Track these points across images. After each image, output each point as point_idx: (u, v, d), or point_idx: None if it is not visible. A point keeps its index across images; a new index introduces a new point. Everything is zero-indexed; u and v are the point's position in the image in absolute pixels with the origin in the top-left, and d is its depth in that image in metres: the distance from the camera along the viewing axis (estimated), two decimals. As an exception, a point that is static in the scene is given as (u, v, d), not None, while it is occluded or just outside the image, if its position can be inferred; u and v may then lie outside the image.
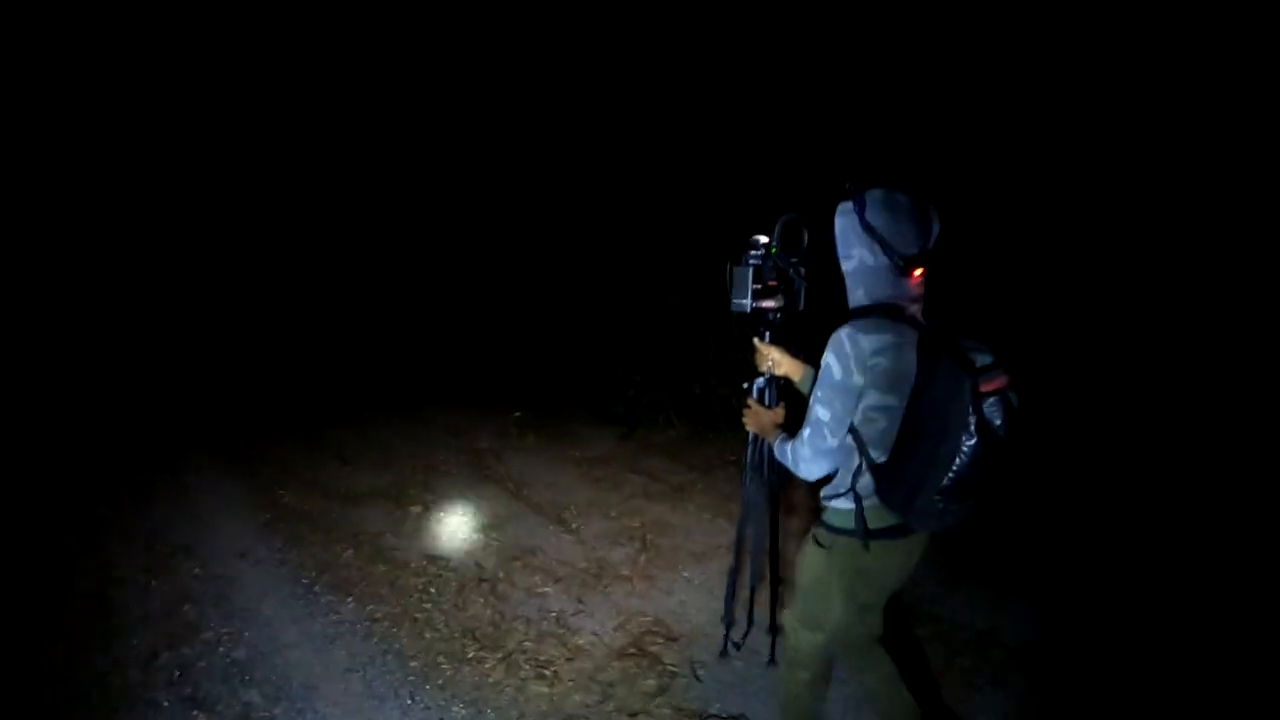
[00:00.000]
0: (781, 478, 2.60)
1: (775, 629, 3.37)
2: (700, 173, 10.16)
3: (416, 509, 6.40)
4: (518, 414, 9.45)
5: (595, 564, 5.34)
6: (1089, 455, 6.59)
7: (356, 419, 9.21)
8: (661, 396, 8.89)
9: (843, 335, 1.86)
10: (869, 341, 1.82)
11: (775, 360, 2.35)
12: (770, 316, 2.34)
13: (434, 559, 5.45)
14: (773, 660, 3.39)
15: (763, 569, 3.35)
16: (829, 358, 1.88)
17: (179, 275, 13.18)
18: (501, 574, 5.26)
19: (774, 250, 2.21)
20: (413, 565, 5.36)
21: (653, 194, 10.56)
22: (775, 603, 3.40)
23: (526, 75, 11.01)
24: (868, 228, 1.87)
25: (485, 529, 5.97)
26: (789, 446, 2.06)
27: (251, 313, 13.19)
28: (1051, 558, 4.96)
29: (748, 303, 2.20)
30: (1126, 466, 6.33)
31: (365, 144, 12.55)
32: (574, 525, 6.10)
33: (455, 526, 6.05)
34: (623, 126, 10.48)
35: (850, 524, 1.98)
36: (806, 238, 2.35)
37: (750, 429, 2.42)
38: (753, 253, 2.24)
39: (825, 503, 2.08)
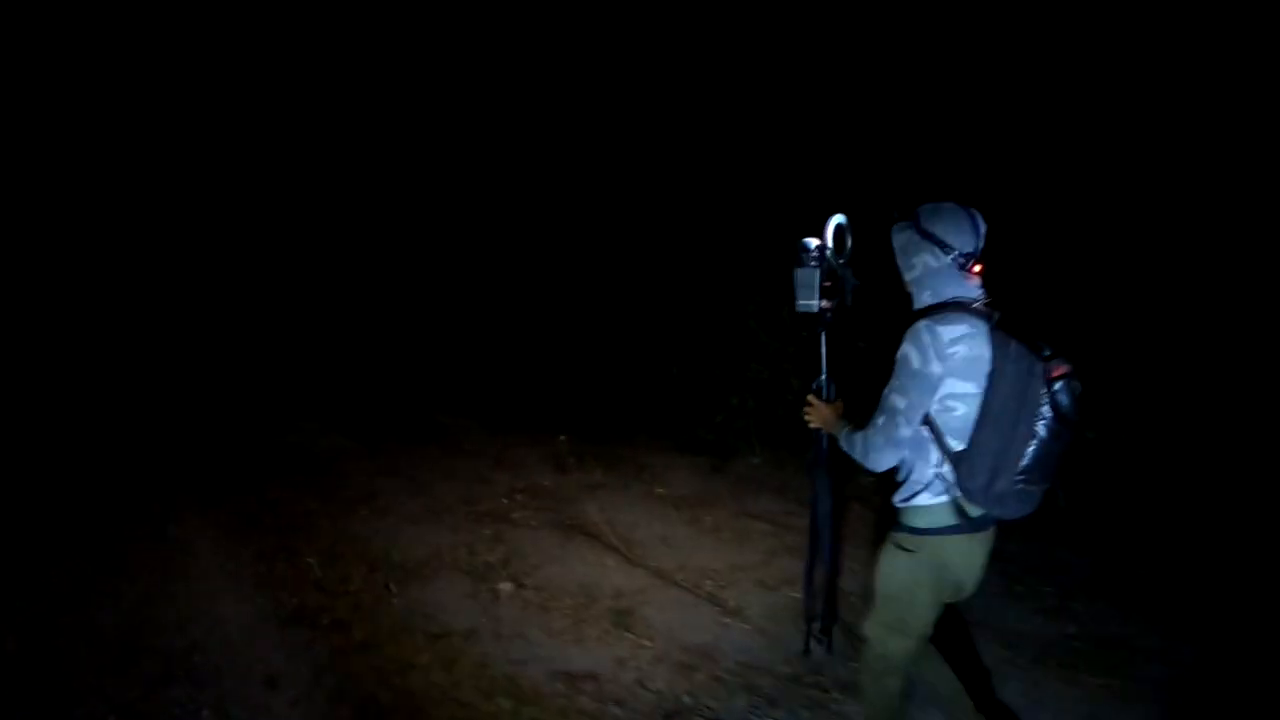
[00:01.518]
0: (844, 474, 2.47)
1: (833, 620, 3.20)
2: (754, 173, 8.59)
3: (506, 586, 4.49)
4: (563, 438, 7.57)
5: (798, 668, 3.51)
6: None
7: (378, 449, 7.19)
8: (748, 421, 7.15)
9: (920, 327, 1.87)
10: (947, 331, 1.83)
11: (825, 418, 2.28)
12: (826, 316, 2.32)
13: (574, 679, 3.56)
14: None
15: (837, 564, 3.19)
16: (907, 348, 1.88)
17: (179, 285, 11.07)
18: (689, 697, 3.41)
19: (827, 253, 2.20)
20: (546, 693, 3.46)
21: (706, 194, 8.90)
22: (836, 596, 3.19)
23: (576, 81, 9.52)
24: (926, 234, 1.94)
25: (621, 619, 4.10)
26: (858, 437, 2.03)
27: (254, 324, 10.97)
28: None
29: (816, 303, 2.20)
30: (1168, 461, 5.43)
31: (393, 148, 10.87)
32: (733, 603, 4.31)
33: (578, 616, 4.16)
34: (674, 127, 8.99)
35: (934, 522, 1.93)
36: (851, 240, 2.36)
37: (814, 425, 2.35)
38: (813, 255, 2.21)
39: (903, 504, 2.01)
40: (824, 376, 2.38)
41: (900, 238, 2.03)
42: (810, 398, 2.35)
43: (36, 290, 10.21)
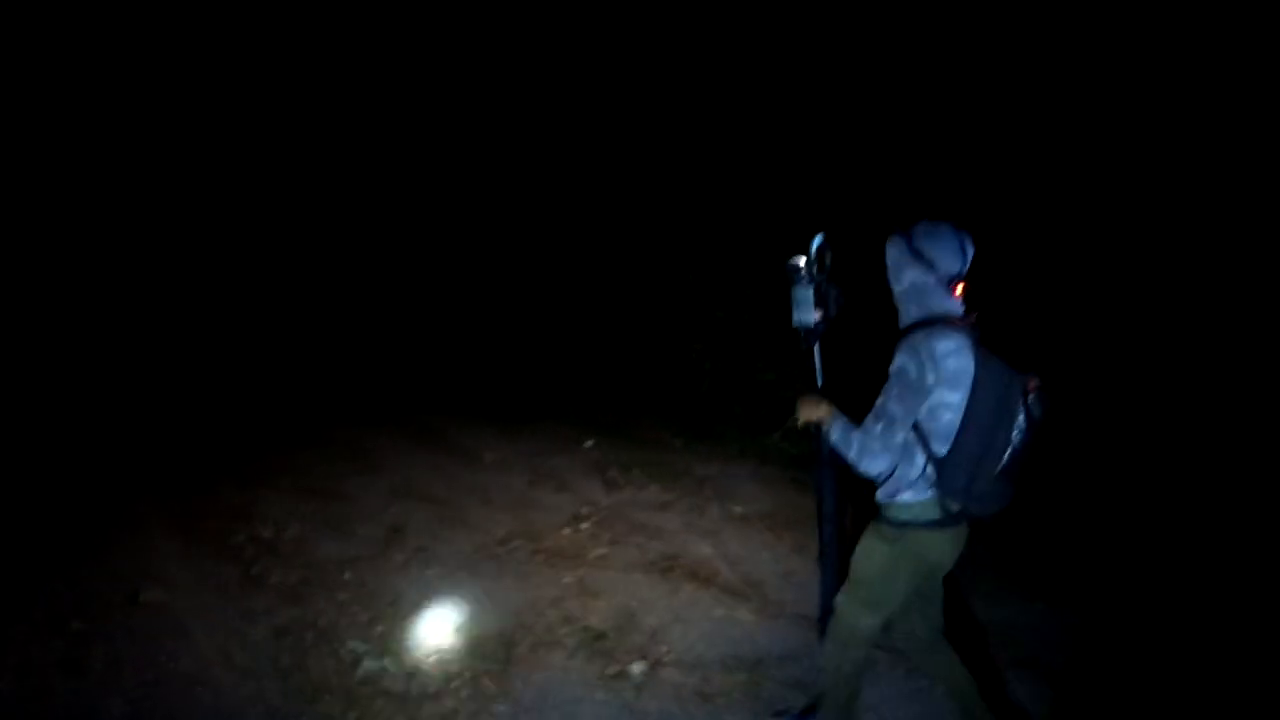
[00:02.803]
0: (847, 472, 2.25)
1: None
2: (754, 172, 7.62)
3: (638, 668, 3.25)
4: (590, 442, 6.34)
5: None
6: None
7: (378, 460, 5.71)
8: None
9: (917, 339, 1.92)
10: (941, 345, 1.89)
11: (821, 412, 2.22)
12: (817, 328, 2.34)
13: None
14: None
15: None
16: (905, 360, 1.92)
17: (173, 286, 9.36)
18: None
19: (814, 269, 2.25)
20: None
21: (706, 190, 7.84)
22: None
23: (580, 78, 8.48)
24: (916, 252, 2.00)
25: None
26: (854, 437, 2.02)
27: (241, 321, 9.10)
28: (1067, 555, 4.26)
29: (811, 318, 2.25)
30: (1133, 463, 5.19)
31: (396, 143, 9.58)
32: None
33: (755, 699, 2.97)
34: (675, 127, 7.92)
35: (916, 517, 2.01)
36: (830, 256, 2.39)
37: (810, 419, 2.26)
38: (803, 273, 2.26)
39: (887, 500, 2.06)
40: (820, 384, 2.39)
41: (893, 251, 2.08)
42: (802, 397, 2.31)
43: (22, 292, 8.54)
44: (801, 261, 2.28)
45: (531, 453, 6.19)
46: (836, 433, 2.09)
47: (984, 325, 2.03)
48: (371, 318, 9.37)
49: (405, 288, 9.58)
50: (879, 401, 1.98)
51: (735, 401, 7.01)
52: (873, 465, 2.01)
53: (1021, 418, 1.90)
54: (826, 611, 2.38)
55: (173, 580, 3.88)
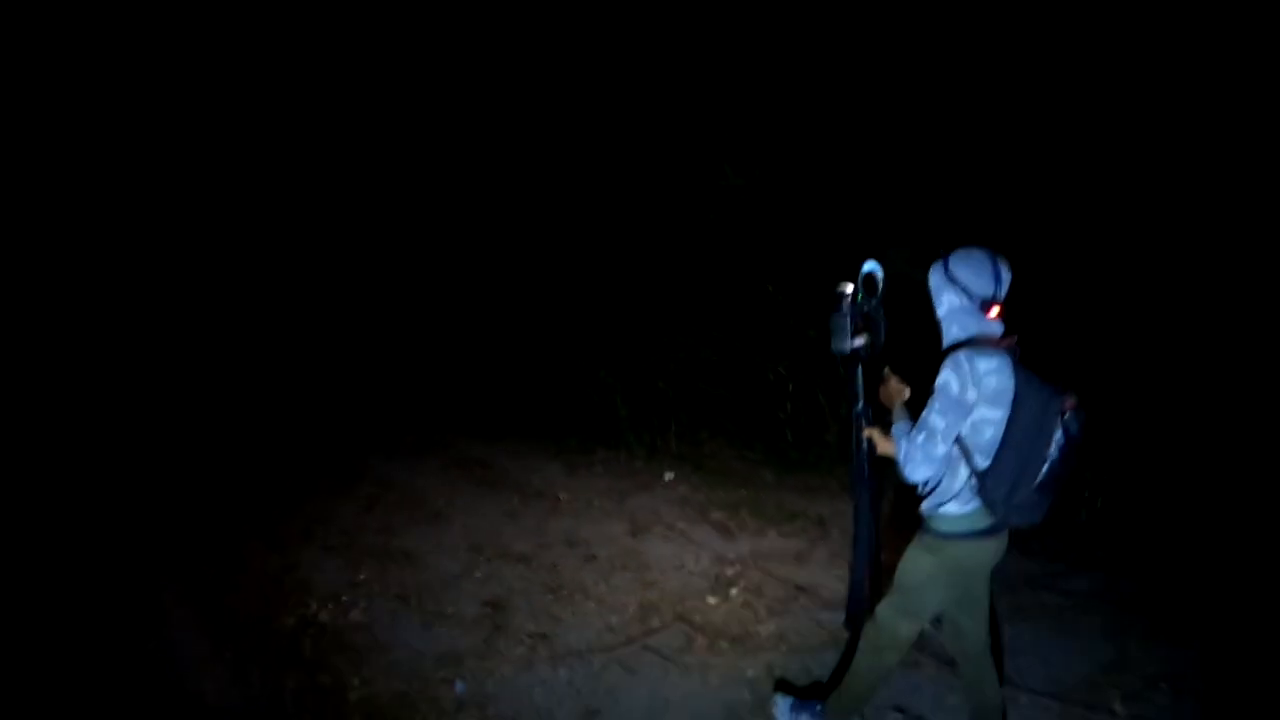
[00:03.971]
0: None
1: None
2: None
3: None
4: (668, 475, 5.34)
5: None
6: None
7: (442, 507, 4.58)
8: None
9: (960, 357, 1.96)
10: (983, 363, 1.95)
11: (896, 393, 2.32)
12: (861, 354, 2.36)
13: None
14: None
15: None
16: (948, 376, 1.97)
17: (166, 301, 8.00)
18: None
19: (859, 297, 2.29)
20: None
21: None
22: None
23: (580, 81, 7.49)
24: (951, 278, 2.05)
25: None
26: (902, 444, 2.07)
27: (239, 337, 7.66)
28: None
29: (848, 345, 2.28)
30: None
31: (410, 148, 8.39)
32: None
33: None
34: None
35: (958, 528, 2.05)
36: (881, 283, 2.41)
37: (892, 397, 2.31)
38: (845, 302, 2.27)
39: (931, 512, 2.10)
40: (860, 405, 2.40)
41: (934, 277, 2.12)
42: (889, 375, 2.36)
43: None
44: (848, 289, 2.27)
45: (608, 490, 5.12)
46: (898, 426, 2.16)
47: (1024, 346, 2.06)
48: (379, 329, 8.07)
49: (417, 295, 8.29)
50: (923, 415, 2.01)
51: (822, 428, 6.05)
52: (915, 473, 2.04)
53: (1060, 434, 1.94)
54: (853, 613, 2.47)
55: (210, 706, 2.67)
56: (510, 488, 5.05)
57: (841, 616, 3.03)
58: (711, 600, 3.64)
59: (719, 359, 6.44)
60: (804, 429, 6.17)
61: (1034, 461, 1.93)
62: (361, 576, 3.65)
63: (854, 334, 2.27)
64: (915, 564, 2.15)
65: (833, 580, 3.84)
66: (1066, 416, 1.95)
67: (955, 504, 2.05)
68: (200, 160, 8.03)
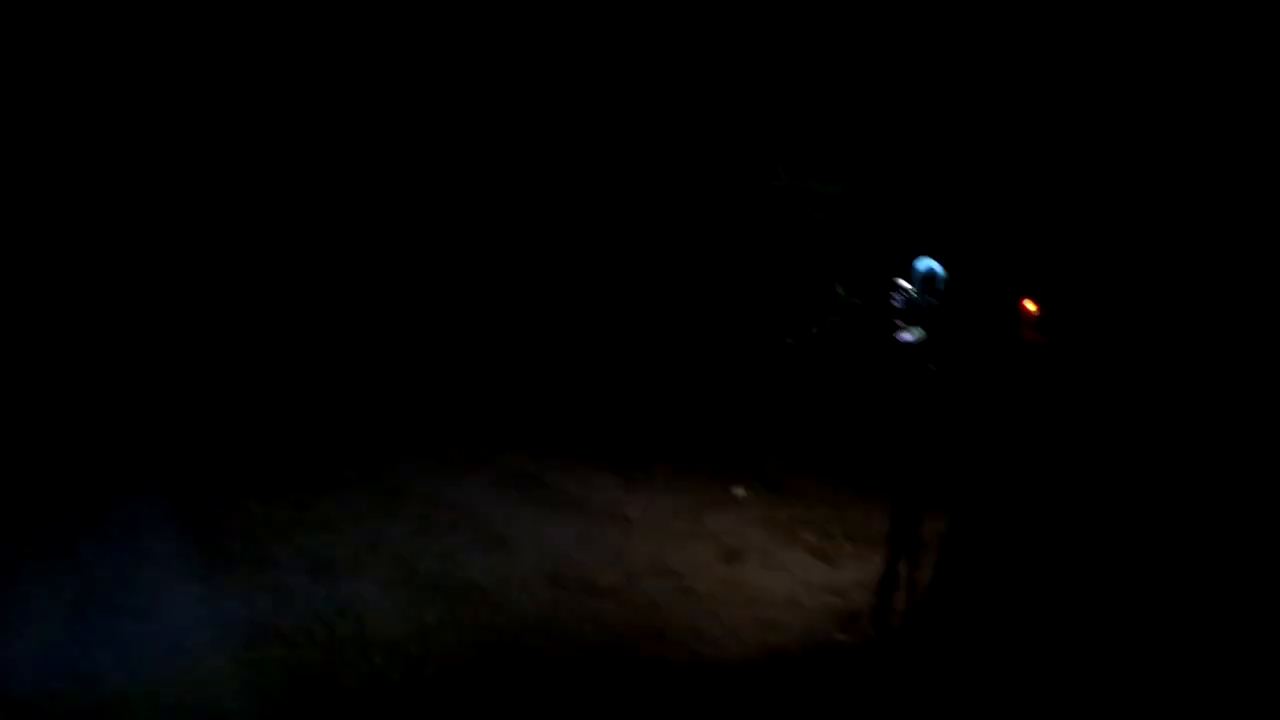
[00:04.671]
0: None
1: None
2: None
3: None
4: (740, 492, 4.91)
5: None
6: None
7: (503, 529, 3.97)
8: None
9: None
10: None
11: None
12: (908, 347, 2.39)
13: None
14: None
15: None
16: None
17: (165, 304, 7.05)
18: None
19: (915, 293, 2.33)
20: None
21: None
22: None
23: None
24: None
25: None
26: None
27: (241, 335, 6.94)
28: None
29: (901, 338, 2.30)
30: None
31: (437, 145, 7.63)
32: None
33: None
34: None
35: None
36: (943, 282, 2.49)
37: None
38: (896, 296, 2.38)
39: None
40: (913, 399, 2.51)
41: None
42: None
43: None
44: (903, 284, 2.34)
45: (680, 508, 4.55)
46: None
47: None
48: (407, 331, 7.36)
49: (452, 295, 7.58)
50: None
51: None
52: None
53: None
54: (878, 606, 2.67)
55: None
56: (572, 506, 4.45)
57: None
58: (841, 637, 3.06)
59: (786, 368, 5.87)
60: (872, 440, 5.65)
61: None
62: (429, 619, 3.02)
63: (902, 328, 2.27)
64: None
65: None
66: None
67: None
68: (209, 162, 7.44)
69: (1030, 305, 2.80)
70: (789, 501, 4.81)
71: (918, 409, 2.78)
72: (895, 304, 2.43)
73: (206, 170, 7.30)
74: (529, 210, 7.31)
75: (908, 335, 2.39)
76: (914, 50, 5.71)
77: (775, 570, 3.74)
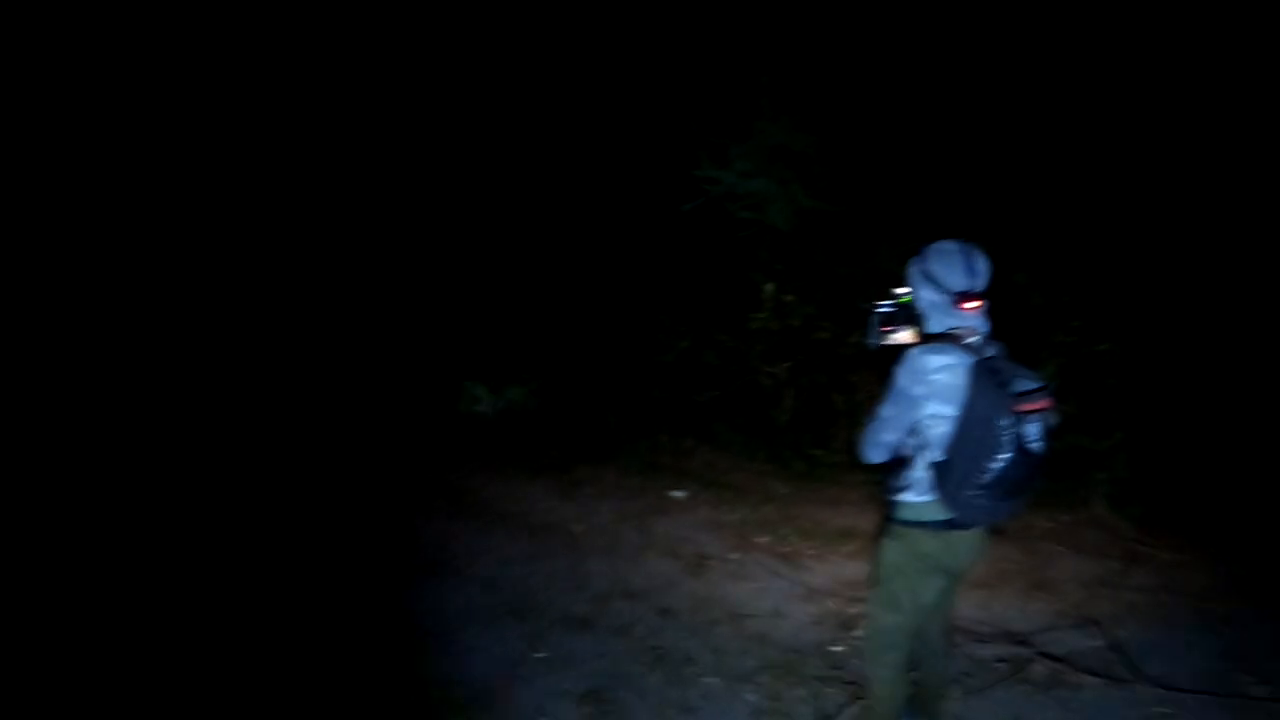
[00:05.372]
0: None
1: None
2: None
3: None
4: (679, 494, 4.77)
5: None
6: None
7: (442, 546, 3.48)
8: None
9: (913, 353, 1.97)
10: (933, 360, 1.93)
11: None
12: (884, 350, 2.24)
13: None
14: None
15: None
16: (899, 369, 1.98)
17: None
18: None
19: (905, 300, 2.17)
20: None
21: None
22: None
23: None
24: (925, 273, 2.04)
25: None
26: (865, 432, 2.12)
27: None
28: None
29: (873, 340, 2.25)
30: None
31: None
32: None
33: None
34: None
35: (914, 516, 2.03)
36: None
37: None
38: (884, 302, 2.24)
39: (893, 498, 2.08)
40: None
41: (910, 272, 2.10)
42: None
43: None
44: (899, 291, 2.19)
45: (621, 515, 4.26)
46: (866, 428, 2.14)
47: (1004, 340, 2.03)
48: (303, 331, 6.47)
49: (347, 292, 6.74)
50: (880, 405, 2.05)
51: (825, 433, 5.48)
52: (865, 455, 2.10)
53: (1008, 437, 1.84)
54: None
55: None
56: (510, 522, 4.01)
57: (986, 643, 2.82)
58: (840, 649, 2.87)
59: (716, 361, 5.65)
60: (802, 433, 5.57)
61: (980, 461, 1.86)
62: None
63: (887, 333, 2.20)
64: (883, 552, 2.13)
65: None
66: (1026, 420, 1.86)
67: (913, 493, 2.03)
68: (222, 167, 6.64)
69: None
70: (731, 501, 4.61)
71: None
72: (884, 308, 2.27)
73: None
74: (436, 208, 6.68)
75: (874, 338, 2.25)
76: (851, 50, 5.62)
77: (745, 580, 3.50)
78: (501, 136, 6.66)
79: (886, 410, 2.02)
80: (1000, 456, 1.85)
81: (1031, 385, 1.90)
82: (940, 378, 1.91)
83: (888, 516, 2.11)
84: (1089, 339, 4.68)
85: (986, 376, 1.88)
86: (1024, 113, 5.41)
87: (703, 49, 5.96)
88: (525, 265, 6.53)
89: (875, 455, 2.09)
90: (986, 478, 1.87)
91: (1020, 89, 5.37)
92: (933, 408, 1.93)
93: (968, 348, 1.95)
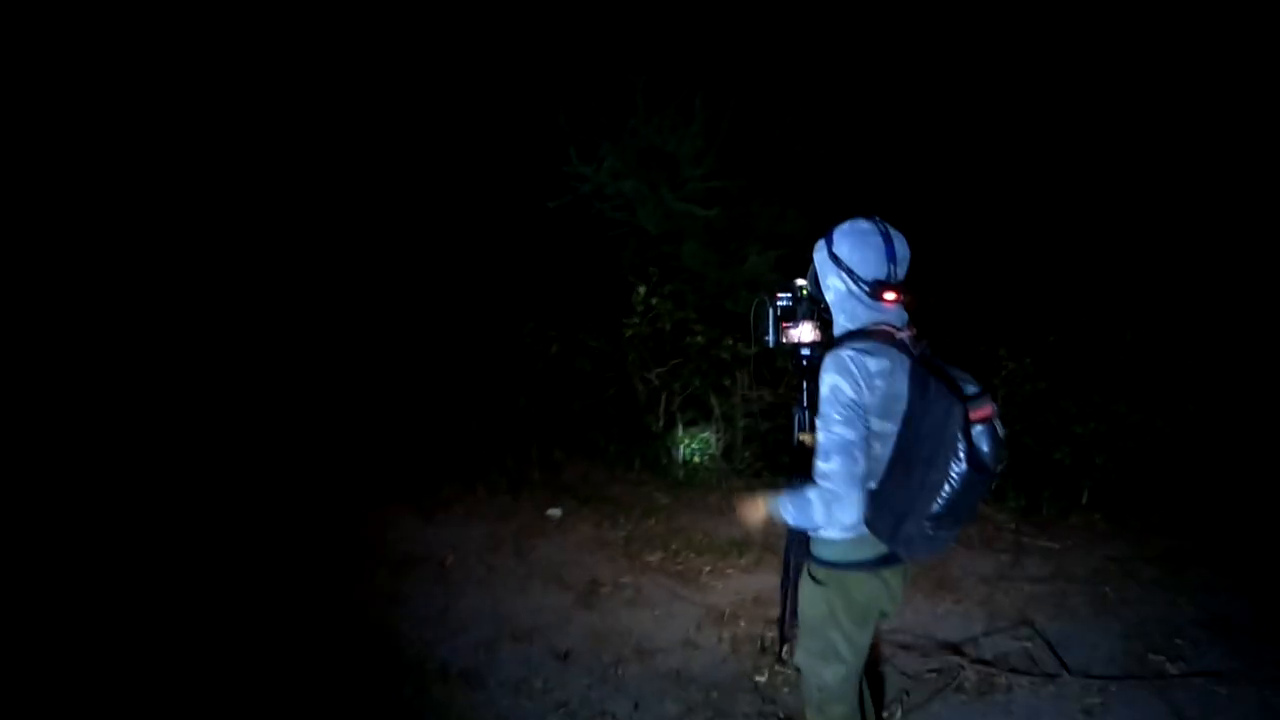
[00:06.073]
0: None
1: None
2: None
3: None
4: (555, 512, 4.50)
5: None
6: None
7: (298, 600, 2.83)
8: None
9: (845, 355, 1.56)
10: (873, 363, 1.56)
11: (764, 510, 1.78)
12: (803, 353, 1.92)
13: None
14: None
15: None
16: (836, 379, 1.56)
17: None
18: None
19: (804, 293, 1.87)
20: None
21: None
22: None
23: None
24: (835, 258, 1.69)
25: None
26: (811, 495, 1.59)
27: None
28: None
29: (770, 338, 1.96)
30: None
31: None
32: None
33: None
34: None
35: (842, 556, 1.66)
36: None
37: (752, 519, 1.82)
38: (781, 295, 1.94)
39: (814, 535, 1.70)
40: (799, 408, 1.92)
41: (817, 257, 1.75)
42: (740, 505, 1.89)
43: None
44: (799, 283, 1.94)
45: (495, 540, 3.83)
46: (790, 508, 1.67)
47: (931, 339, 1.66)
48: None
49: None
50: (821, 438, 1.57)
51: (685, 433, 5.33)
52: (847, 511, 1.57)
53: (963, 451, 1.48)
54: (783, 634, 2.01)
55: None
56: (372, 555, 3.41)
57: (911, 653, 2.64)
58: (763, 679, 2.60)
59: (588, 367, 5.28)
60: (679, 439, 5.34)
61: (928, 489, 1.51)
62: None
63: (786, 330, 1.94)
64: (807, 598, 1.77)
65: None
66: (975, 432, 1.50)
67: (837, 529, 1.65)
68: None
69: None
70: (613, 517, 4.27)
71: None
72: (782, 303, 1.97)
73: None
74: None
75: (769, 336, 1.97)
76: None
77: (644, 607, 3.16)
78: (353, 128, 6.07)
79: (848, 432, 1.54)
80: (954, 477, 1.48)
81: (975, 388, 1.57)
82: (880, 385, 1.55)
83: (806, 554, 1.73)
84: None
85: (932, 380, 1.53)
86: (908, 111, 5.48)
87: (580, 44, 5.64)
88: (375, 264, 5.86)
89: (851, 506, 1.57)
90: (937, 506, 1.50)
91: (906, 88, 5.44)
92: (871, 424, 1.56)
93: (901, 345, 1.60)
